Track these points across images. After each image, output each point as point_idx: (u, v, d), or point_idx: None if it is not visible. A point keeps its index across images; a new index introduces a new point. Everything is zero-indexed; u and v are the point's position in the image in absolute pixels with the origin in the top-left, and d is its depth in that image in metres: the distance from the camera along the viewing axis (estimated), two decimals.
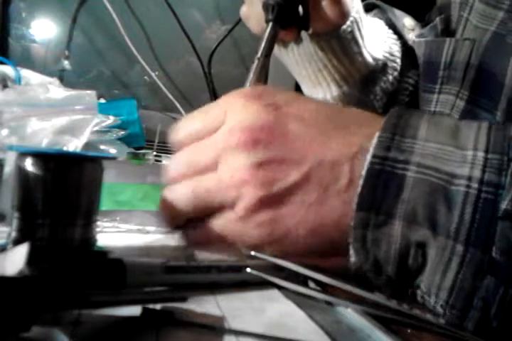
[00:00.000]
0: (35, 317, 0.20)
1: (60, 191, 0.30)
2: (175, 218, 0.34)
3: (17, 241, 0.29)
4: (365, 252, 0.29)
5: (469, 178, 0.27)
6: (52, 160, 0.30)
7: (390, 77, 0.58)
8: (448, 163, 0.28)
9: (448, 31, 0.54)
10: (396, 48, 0.59)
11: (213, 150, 0.32)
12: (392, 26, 0.61)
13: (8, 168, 0.44)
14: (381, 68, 0.57)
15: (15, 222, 0.30)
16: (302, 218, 0.30)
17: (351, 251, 0.30)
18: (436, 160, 0.28)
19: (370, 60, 0.56)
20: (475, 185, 0.26)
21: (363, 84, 0.56)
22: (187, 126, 0.35)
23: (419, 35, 0.57)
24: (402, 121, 0.30)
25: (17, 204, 0.30)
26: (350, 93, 0.56)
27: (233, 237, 0.32)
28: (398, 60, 0.59)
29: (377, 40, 0.57)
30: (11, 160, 0.45)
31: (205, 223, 0.33)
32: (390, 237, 0.28)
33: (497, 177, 0.26)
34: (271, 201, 0.30)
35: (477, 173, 0.27)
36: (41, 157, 0.29)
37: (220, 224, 0.32)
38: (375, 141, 0.29)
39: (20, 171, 0.30)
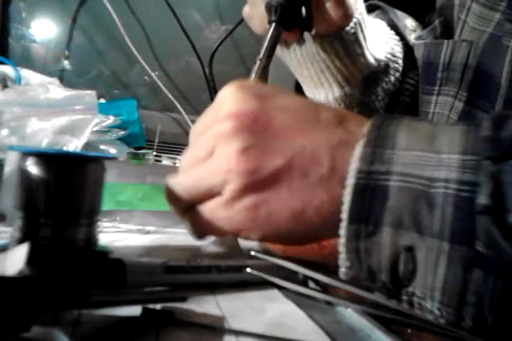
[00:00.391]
0: (35, 317, 0.20)
1: (63, 191, 0.30)
2: (174, 206, 0.36)
3: (20, 241, 0.29)
4: (359, 262, 0.30)
5: (447, 180, 0.28)
6: (54, 161, 0.30)
7: (392, 78, 0.58)
8: (427, 168, 0.29)
9: (447, 33, 0.54)
10: (398, 49, 0.59)
11: (209, 140, 0.34)
12: (394, 27, 0.61)
13: (8, 168, 0.44)
14: (383, 69, 0.57)
15: (18, 222, 0.30)
16: (285, 203, 0.32)
17: (342, 262, 0.31)
18: (416, 167, 0.29)
19: (372, 61, 0.56)
20: (453, 186, 0.28)
21: (364, 84, 0.57)
22: (194, 126, 0.37)
23: (418, 38, 0.57)
24: (382, 132, 0.31)
25: (20, 204, 0.30)
26: (352, 94, 0.56)
27: (221, 222, 0.33)
28: (400, 61, 0.59)
29: (379, 41, 0.58)
30: (11, 160, 0.45)
31: (196, 208, 0.35)
32: (380, 245, 0.29)
33: (472, 176, 0.27)
34: (255, 187, 0.32)
35: (453, 175, 0.28)
36: (44, 157, 0.29)
37: (208, 209, 0.34)
38: (358, 153, 0.30)
39: (23, 171, 0.30)
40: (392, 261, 0.29)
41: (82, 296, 0.24)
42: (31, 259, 0.24)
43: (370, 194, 0.29)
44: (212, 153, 0.33)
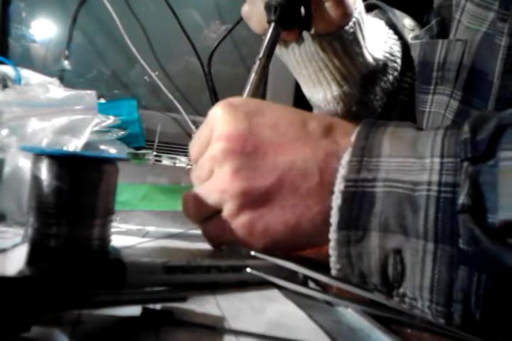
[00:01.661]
0: (35, 317, 0.20)
1: (79, 192, 0.30)
2: (189, 218, 0.39)
3: (34, 241, 0.29)
4: (351, 267, 0.31)
5: (429, 183, 0.29)
6: (70, 162, 0.29)
7: (390, 77, 0.58)
8: (410, 173, 0.30)
9: (444, 33, 0.54)
10: (396, 48, 0.59)
11: (206, 162, 0.37)
12: (393, 26, 0.61)
13: (9, 168, 0.44)
14: (381, 68, 0.58)
15: (32, 222, 0.30)
16: (279, 218, 0.34)
17: (333, 265, 0.32)
18: (400, 173, 0.30)
19: (370, 60, 0.56)
20: (434, 188, 0.29)
21: (363, 84, 0.57)
22: (191, 147, 0.40)
23: (415, 37, 0.57)
24: (368, 142, 0.32)
25: (34, 205, 0.30)
26: (351, 93, 0.57)
27: (225, 234, 0.36)
28: (398, 60, 0.59)
29: (377, 41, 0.58)
30: (11, 160, 0.45)
31: (206, 222, 0.38)
32: (369, 249, 0.30)
33: (453, 178, 0.28)
34: (249, 206, 0.35)
35: (435, 177, 0.29)
36: (59, 159, 0.29)
37: (214, 223, 0.37)
38: (346, 162, 0.32)
39: (37, 173, 0.29)
40: (382, 264, 0.30)
41: (82, 296, 0.24)
42: (31, 259, 0.24)
43: (357, 201, 0.31)
44: (212, 172, 0.36)
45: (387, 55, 0.58)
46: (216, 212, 0.37)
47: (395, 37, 0.60)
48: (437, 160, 0.29)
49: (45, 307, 0.22)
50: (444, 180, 0.28)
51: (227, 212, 0.35)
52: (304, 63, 0.55)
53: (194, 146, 0.40)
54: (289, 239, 0.35)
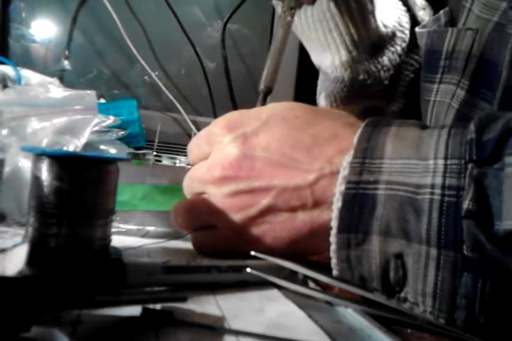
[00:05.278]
0: (35, 317, 0.20)
1: (78, 192, 0.30)
2: (179, 229, 0.40)
3: (34, 241, 0.29)
4: (351, 271, 0.31)
5: (432, 186, 0.28)
6: (70, 162, 0.29)
7: (398, 48, 0.58)
8: (413, 175, 0.29)
9: (452, 23, 0.53)
10: (405, 19, 0.59)
11: (199, 183, 0.38)
12: (403, 0, 0.60)
13: (9, 168, 0.44)
14: (390, 37, 0.57)
15: (31, 221, 0.30)
16: (278, 234, 0.35)
17: (334, 266, 0.32)
18: (403, 175, 0.30)
19: (380, 24, 0.55)
20: (438, 191, 0.28)
21: (372, 52, 0.56)
22: (189, 152, 0.41)
23: (422, 26, 0.57)
24: (371, 143, 0.32)
25: (35, 205, 0.30)
26: (359, 60, 0.56)
27: (220, 248, 0.37)
28: (407, 32, 0.59)
29: (387, 8, 0.57)
30: (11, 160, 0.45)
31: (194, 232, 0.39)
32: (370, 253, 0.30)
33: (457, 181, 0.28)
34: (250, 222, 0.35)
35: (439, 180, 0.28)
36: (59, 158, 0.29)
37: (207, 235, 0.38)
38: (347, 164, 0.31)
39: (37, 173, 0.29)
40: (383, 269, 0.29)
41: (82, 296, 0.24)
42: (31, 259, 0.24)
43: (359, 203, 0.30)
44: (204, 191, 0.37)
45: (396, 24, 0.58)
46: (208, 225, 0.37)
47: (404, 8, 0.60)
48: (441, 161, 0.29)
49: (45, 307, 0.22)
50: (448, 182, 0.28)
51: (227, 230, 0.36)
52: (314, 25, 0.55)
53: (191, 151, 0.41)
54: (291, 253, 0.35)
